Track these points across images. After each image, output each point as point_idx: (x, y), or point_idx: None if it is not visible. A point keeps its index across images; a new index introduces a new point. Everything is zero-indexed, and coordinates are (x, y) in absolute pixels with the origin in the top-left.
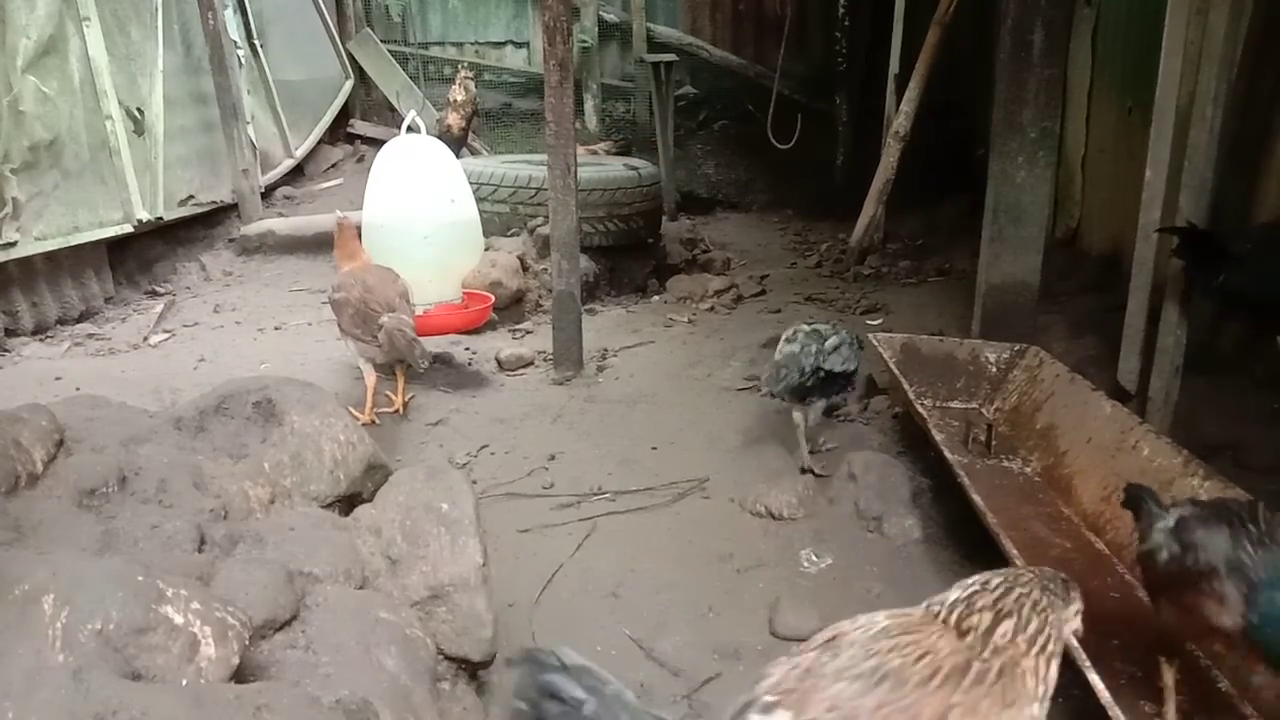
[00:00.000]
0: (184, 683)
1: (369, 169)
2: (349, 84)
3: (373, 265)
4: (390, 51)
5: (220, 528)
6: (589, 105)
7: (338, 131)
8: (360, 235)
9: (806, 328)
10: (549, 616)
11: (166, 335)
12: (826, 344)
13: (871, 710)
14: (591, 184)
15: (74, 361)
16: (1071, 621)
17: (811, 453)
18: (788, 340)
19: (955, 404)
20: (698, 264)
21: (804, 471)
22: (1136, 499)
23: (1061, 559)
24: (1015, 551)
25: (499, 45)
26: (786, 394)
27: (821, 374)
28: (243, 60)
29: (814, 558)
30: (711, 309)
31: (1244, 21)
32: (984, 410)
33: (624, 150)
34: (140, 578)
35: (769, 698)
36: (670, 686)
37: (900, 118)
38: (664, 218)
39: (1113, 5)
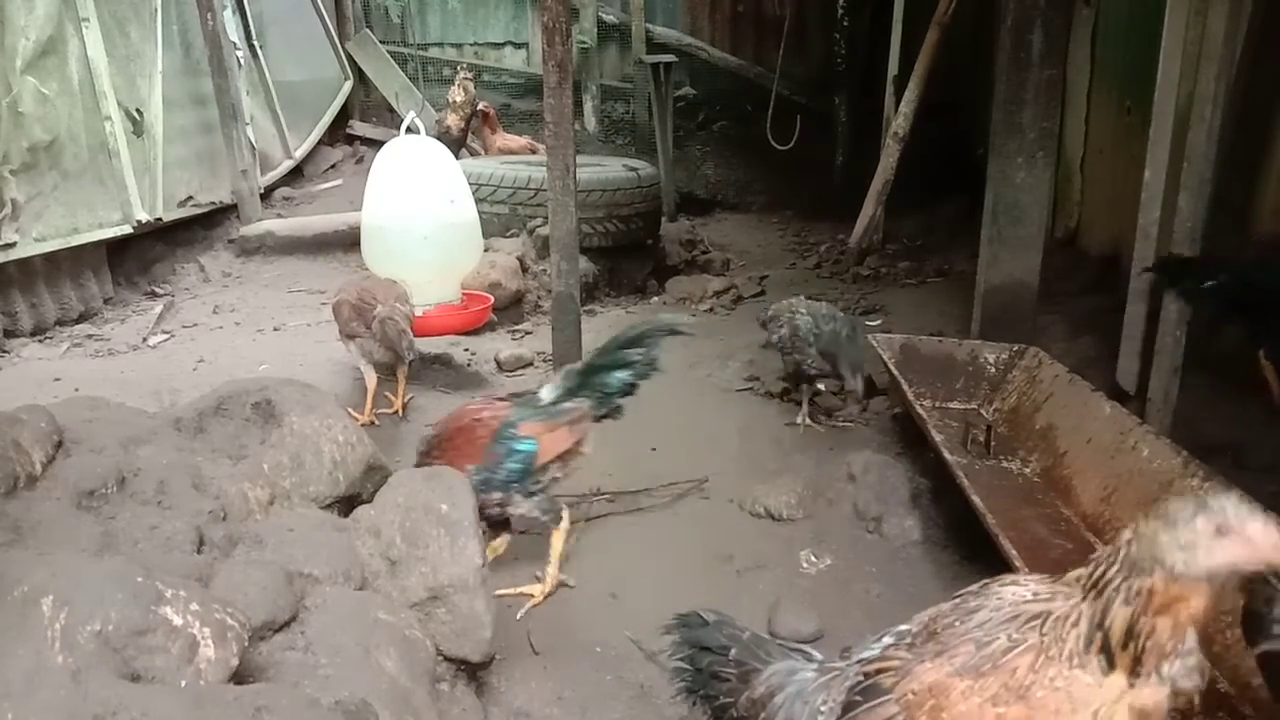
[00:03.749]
0: (183, 684)
1: (368, 170)
2: (348, 85)
3: (373, 276)
4: (389, 52)
5: (219, 529)
6: (588, 106)
7: (337, 132)
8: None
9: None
10: (548, 617)
11: (165, 336)
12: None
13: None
14: (590, 185)
15: (73, 362)
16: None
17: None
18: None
19: (954, 405)
20: (697, 265)
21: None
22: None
23: (1061, 560)
24: (1015, 552)
25: (498, 46)
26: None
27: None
28: (242, 61)
29: (813, 559)
30: (711, 310)
31: (1243, 22)
32: (983, 411)
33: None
34: (139, 579)
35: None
36: (670, 687)
37: (899, 118)
38: (663, 218)
39: (1112, 6)
